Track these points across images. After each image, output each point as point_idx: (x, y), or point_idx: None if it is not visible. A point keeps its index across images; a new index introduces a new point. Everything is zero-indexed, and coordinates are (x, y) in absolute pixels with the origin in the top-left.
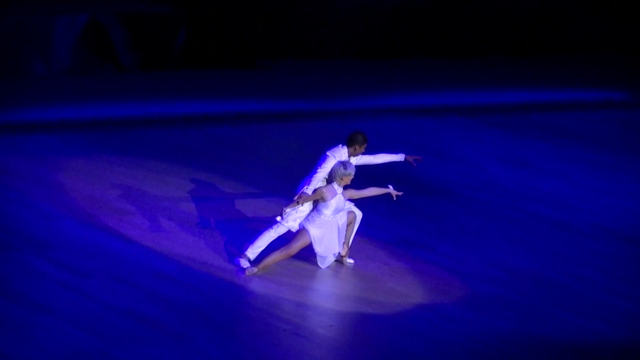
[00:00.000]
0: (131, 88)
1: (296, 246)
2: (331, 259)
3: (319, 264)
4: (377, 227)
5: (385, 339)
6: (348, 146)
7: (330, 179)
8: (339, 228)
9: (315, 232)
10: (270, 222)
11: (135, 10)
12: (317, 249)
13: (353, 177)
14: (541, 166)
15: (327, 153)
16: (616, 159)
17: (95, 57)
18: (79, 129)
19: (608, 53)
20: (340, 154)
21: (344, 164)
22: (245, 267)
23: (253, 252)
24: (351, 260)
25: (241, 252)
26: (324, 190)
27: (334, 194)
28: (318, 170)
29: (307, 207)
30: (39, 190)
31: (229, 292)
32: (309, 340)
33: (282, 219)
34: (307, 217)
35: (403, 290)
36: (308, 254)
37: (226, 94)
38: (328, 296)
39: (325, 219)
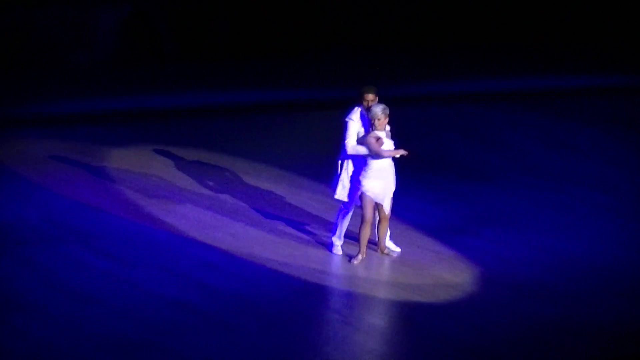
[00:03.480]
0: (175, 77)
1: (367, 211)
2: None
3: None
4: (422, 214)
5: (433, 326)
6: (359, 103)
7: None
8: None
9: (372, 187)
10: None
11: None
12: (381, 201)
13: (388, 114)
14: (587, 150)
15: (346, 119)
16: None
17: (139, 46)
18: (123, 119)
19: None
20: (356, 114)
21: (373, 106)
22: (340, 253)
23: (340, 237)
24: (398, 249)
25: (331, 244)
26: (369, 138)
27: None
28: (346, 142)
29: (345, 176)
30: (83, 181)
31: (275, 281)
32: (357, 328)
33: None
34: (360, 181)
35: (450, 277)
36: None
37: (270, 82)
38: (376, 284)
39: (377, 167)
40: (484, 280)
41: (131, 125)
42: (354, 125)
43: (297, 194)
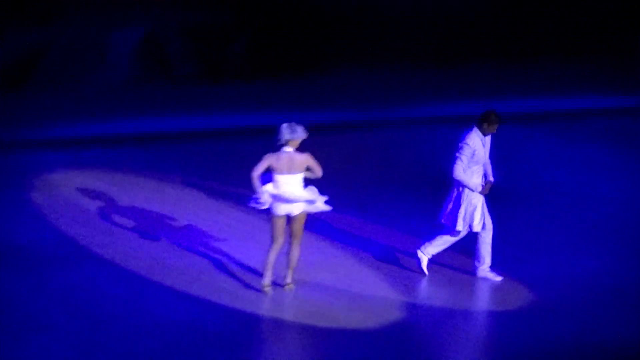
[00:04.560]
0: (188, 100)
1: (275, 232)
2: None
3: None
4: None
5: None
6: (479, 125)
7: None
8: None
9: (276, 204)
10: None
11: (192, 21)
12: (285, 209)
13: (295, 139)
14: (602, 170)
15: (461, 143)
16: None
17: (152, 69)
18: (135, 142)
19: None
20: (472, 138)
21: (284, 125)
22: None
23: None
24: (292, 286)
25: (416, 257)
26: (269, 155)
27: (280, 157)
28: (456, 165)
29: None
30: (96, 205)
31: (285, 305)
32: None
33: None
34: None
35: (464, 297)
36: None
37: (283, 103)
38: (392, 304)
39: (278, 185)
40: (503, 300)
41: (144, 149)
42: (469, 150)
43: (315, 216)
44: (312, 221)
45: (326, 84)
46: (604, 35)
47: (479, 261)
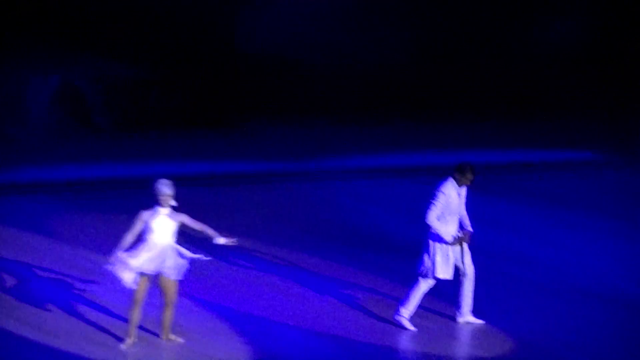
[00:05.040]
0: (104, 149)
1: (136, 297)
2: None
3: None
4: (351, 288)
5: None
6: (454, 175)
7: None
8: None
9: (135, 264)
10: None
11: (109, 72)
12: (148, 268)
13: (168, 196)
14: (513, 227)
15: (437, 190)
16: (586, 218)
17: (69, 118)
18: (51, 189)
19: (579, 115)
20: (447, 187)
21: (158, 182)
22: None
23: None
24: (179, 339)
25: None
26: (143, 213)
27: (154, 215)
28: (429, 212)
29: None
30: (10, 252)
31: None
32: None
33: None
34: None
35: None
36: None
37: (200, 154)
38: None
39: (151, 244)
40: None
41: (60, 197)
42: (443, 198)
43: (230, 269)
44: (219, 269)
45: (241, 135)
46: (511, 91)
47: (403, 305)
